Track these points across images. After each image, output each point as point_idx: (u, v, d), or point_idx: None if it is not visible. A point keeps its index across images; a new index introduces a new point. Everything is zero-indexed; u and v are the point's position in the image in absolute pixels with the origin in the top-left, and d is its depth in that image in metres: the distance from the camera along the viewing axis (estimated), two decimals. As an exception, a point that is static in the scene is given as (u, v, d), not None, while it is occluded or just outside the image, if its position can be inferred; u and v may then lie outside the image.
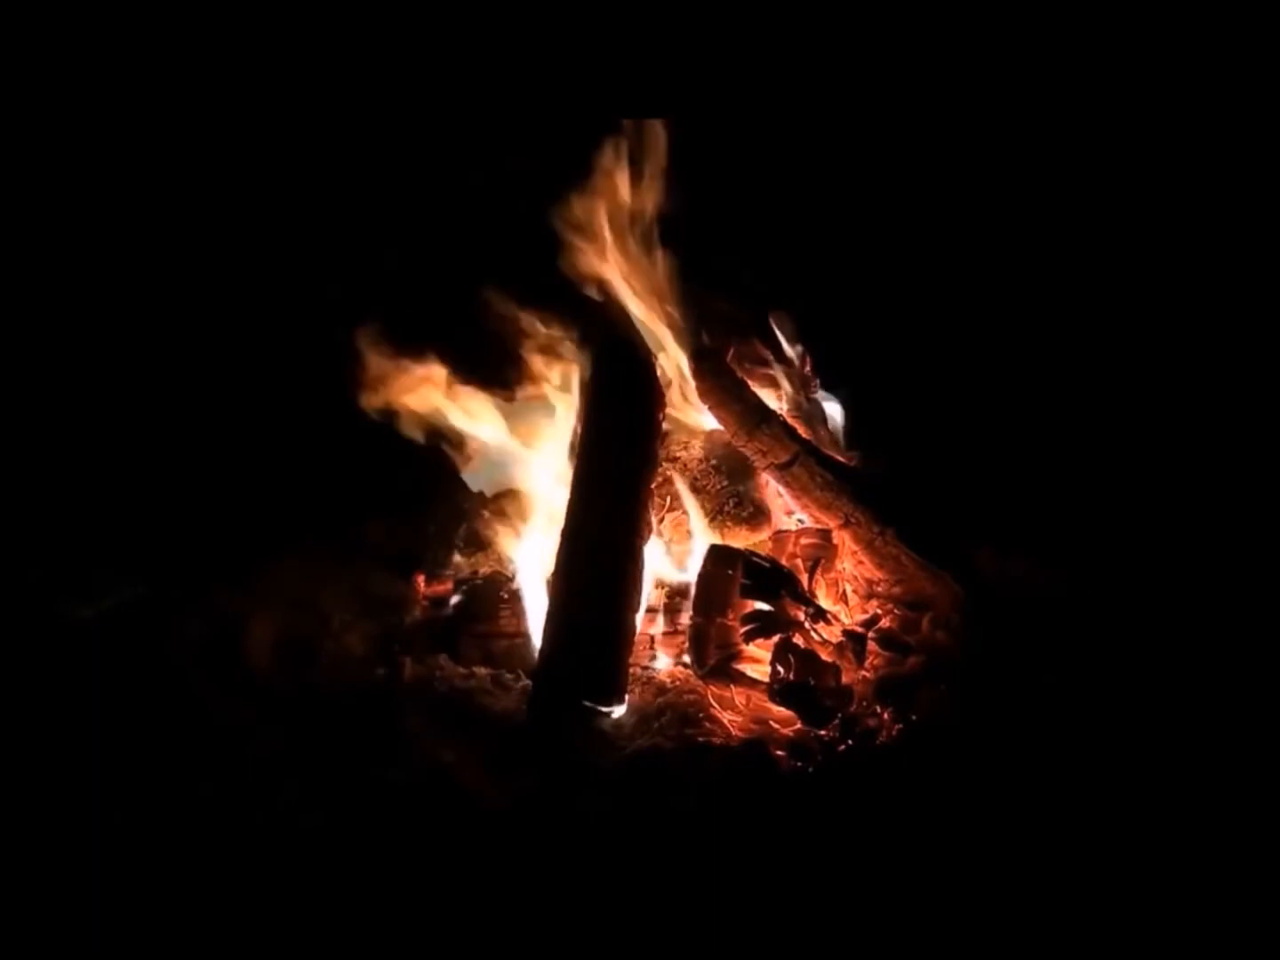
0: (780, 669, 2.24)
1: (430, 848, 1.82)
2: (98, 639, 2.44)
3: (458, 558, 2.82)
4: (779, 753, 2.09)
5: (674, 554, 2.66)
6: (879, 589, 2.57)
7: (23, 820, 1.90)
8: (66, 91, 3.50)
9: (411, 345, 2.73)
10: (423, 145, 3.64)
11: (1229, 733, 2.03)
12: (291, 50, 3.58)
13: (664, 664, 2.48)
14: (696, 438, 2.85)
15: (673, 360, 2.78)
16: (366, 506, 2.98)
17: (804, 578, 2.49)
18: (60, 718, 2.17)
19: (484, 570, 2.75)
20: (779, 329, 2.96)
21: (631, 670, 2.34)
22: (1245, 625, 2.31)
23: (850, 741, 2.12)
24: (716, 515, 2.68)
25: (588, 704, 2.20)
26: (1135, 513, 2.80)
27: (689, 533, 2.66)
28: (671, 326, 2.77)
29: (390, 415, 2.71)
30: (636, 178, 2.75)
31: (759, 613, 2.37)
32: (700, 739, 2.14)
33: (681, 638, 2.47)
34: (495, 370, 2.82)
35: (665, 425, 2.74)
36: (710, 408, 2.72)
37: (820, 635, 2.37)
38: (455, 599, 2.65)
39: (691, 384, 2.75)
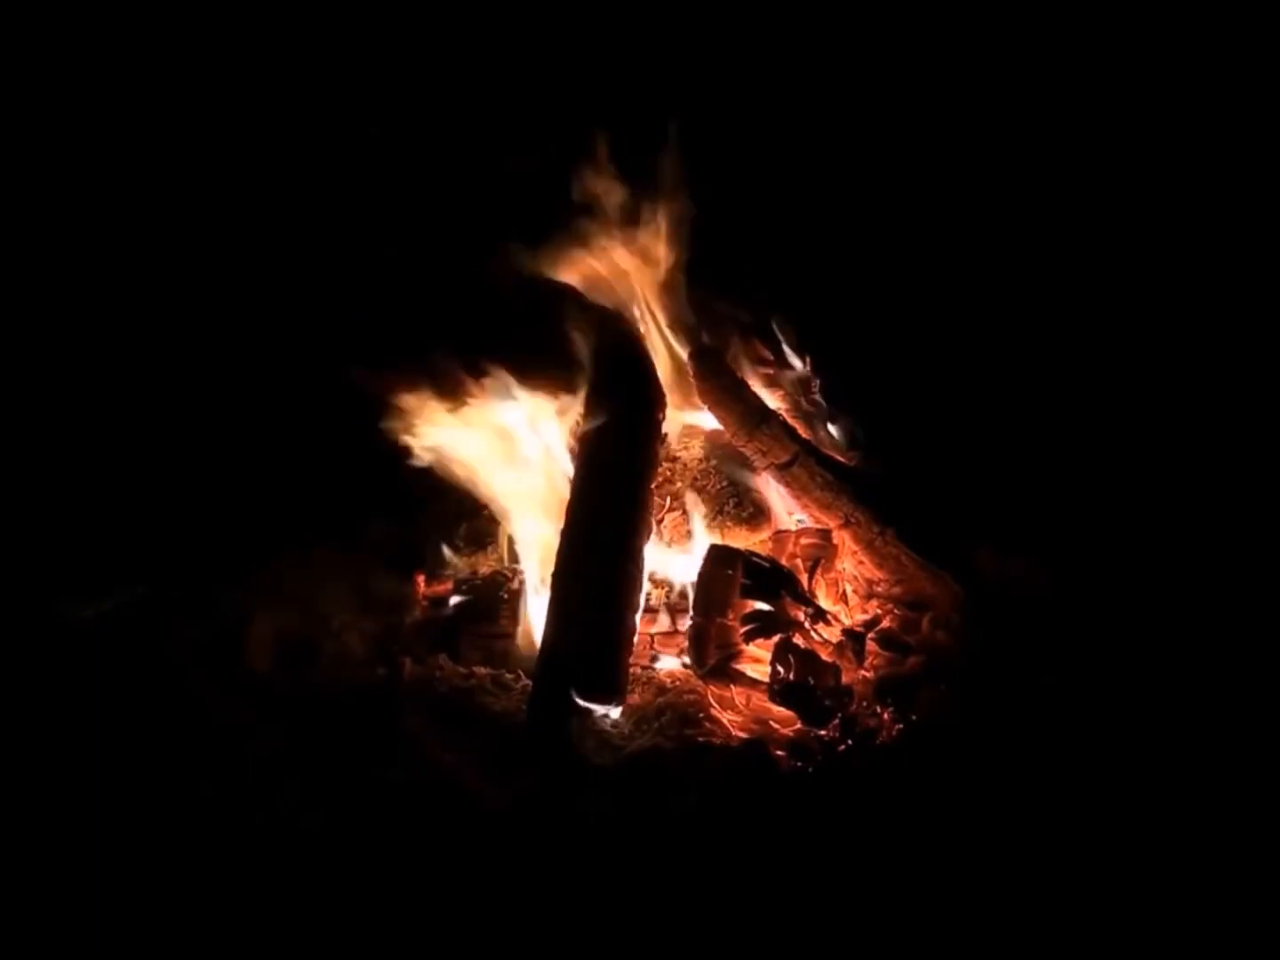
0: (780, 669, 2.24)
1: (430, 848, 1.82)
2: (98, 639, 2.44)
3: (458, 558, 2.82)
4: (779, 753, 2.09)
5: (674, 554, 2.66)
6: (879, 589, 2.57)
7: (23, 820, 1.91)
8: (66, 91, 3.50)
9: (411, 348, 2.74)
10: (423, 144, 3.64)
11: (1229, 732, 2.03)
12: (291, 49, 3.58)
13: (664, 664, 2.48)
14: (696, 438, 2.85)
15: (673, 360, 2.78)
16: (366, 506, 2.98)
17: (804, 578, 2.49)
18: (60, 718, 2.17)
19: (484, 570, 2.75)
20: (781, 332, 2.96)
21: (631, 670, 2.34)
22: (1245, 625, 2.31)
23: (850, 741, 2.12)
24: (716, 515, 2.68)
25: (588, 704, 2.20)
26: (1135, 513, 2.80)
27: (689, 533, 2.66)
28: (672, 326, 2.77)
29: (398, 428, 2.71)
30: (639, 179, 2.75)
31: (759, 613, 2.37)
32: (700, 739, 2.14)
33: (681, 638, 2.47)
34: (495, 370, 2.82)
35: (665, 425, 2.75)
36: (710, 408, 2.72)
37: (820, 635, 2.37)
38: (455, 599, 2.65)
39: (692, 384, 2.75)
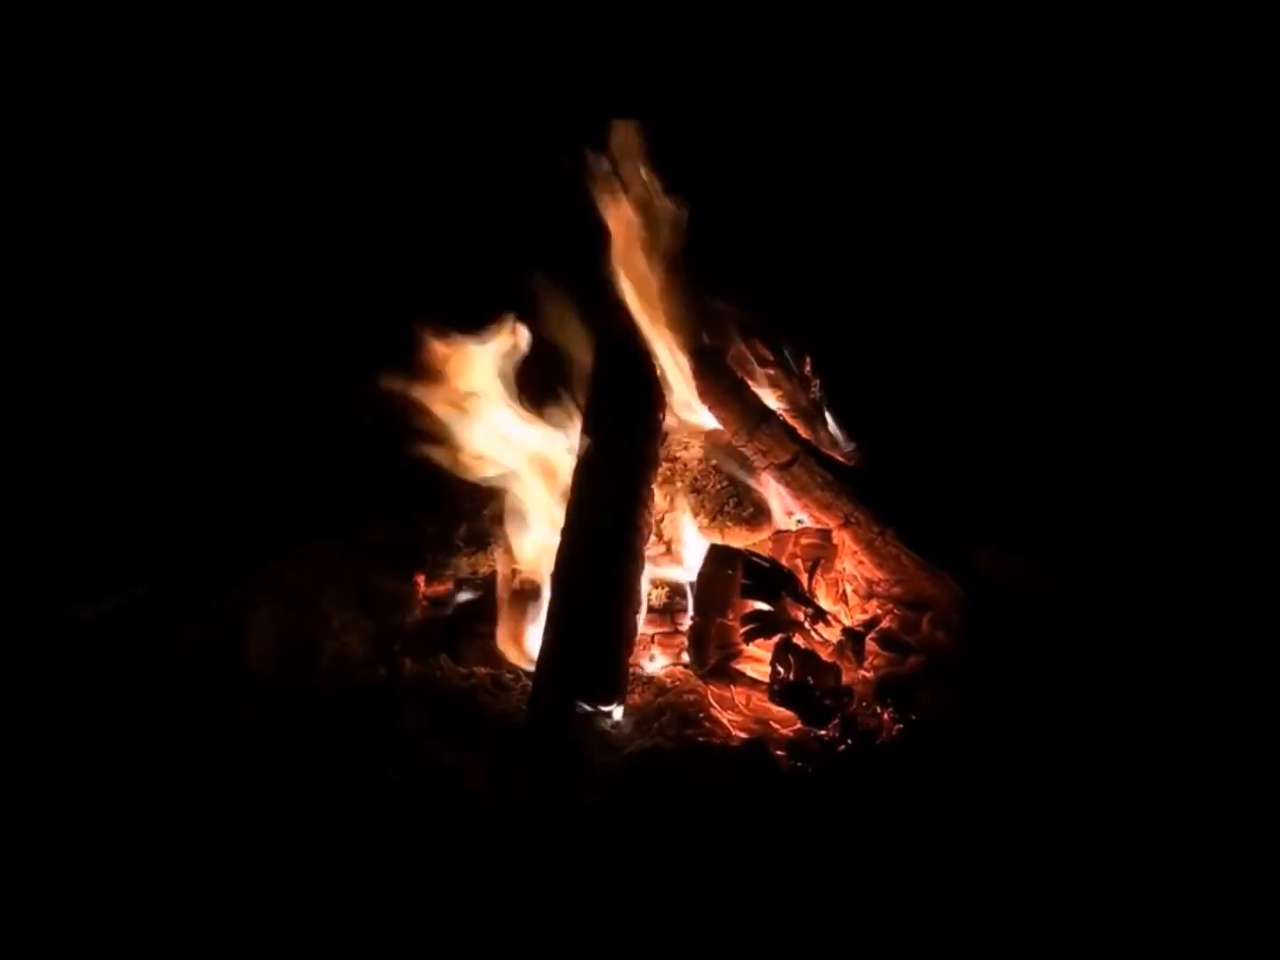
0: (780, 669, 2.24)
1: (430, 848, 1.82)
2: (98, 639, 2.44)
3: (458, 558, 2.82)
4: (779, 753, 2.09)
5: (674, 554, 2.66)
6: (879, 589, 2.57)
7: (23, 820, 1.91)
8: (66, 91, 3.50)
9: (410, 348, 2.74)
10: (422, 144, 3.64)
11: (1229, 732, 2.03)
12: (291, 49, 3.58)
13: (664, 664, 2.48)
14: (696, 438, 2.85)
15: (673, 360, 2.78)
16: (366, 506, 2.98)
17: (804, 578, 2.49)
18: (60, 718, 2.17)
19: (484, 570, 2.75)
20: (781, 332, 2.96)
21: (631, 670, 2.34)
22: (1245, 625, 2.31)
23: (850, 741, 2.12)
24: (716, 515, 2.68)
25: (588, 704, 2.20)
26: (1135, 513, 2.80)
27: (689, 533, 2.66)
28: (672, 326, 2.77)
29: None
30: (639, 178, 2.75)
31: (759, 613, 2.37)
32: (700, 739, 2.14)
33: (681, 638, 2.47)
34: (494, 371, 2.82)
35: (665, 425, 2.74)
36: (710, 408, 2.72)
37: (820, 635, 2.37)
38: (455, 599, 2.65)
39: (692, 384, 2.75)
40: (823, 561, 2.55)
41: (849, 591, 2.60)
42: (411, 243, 3.59)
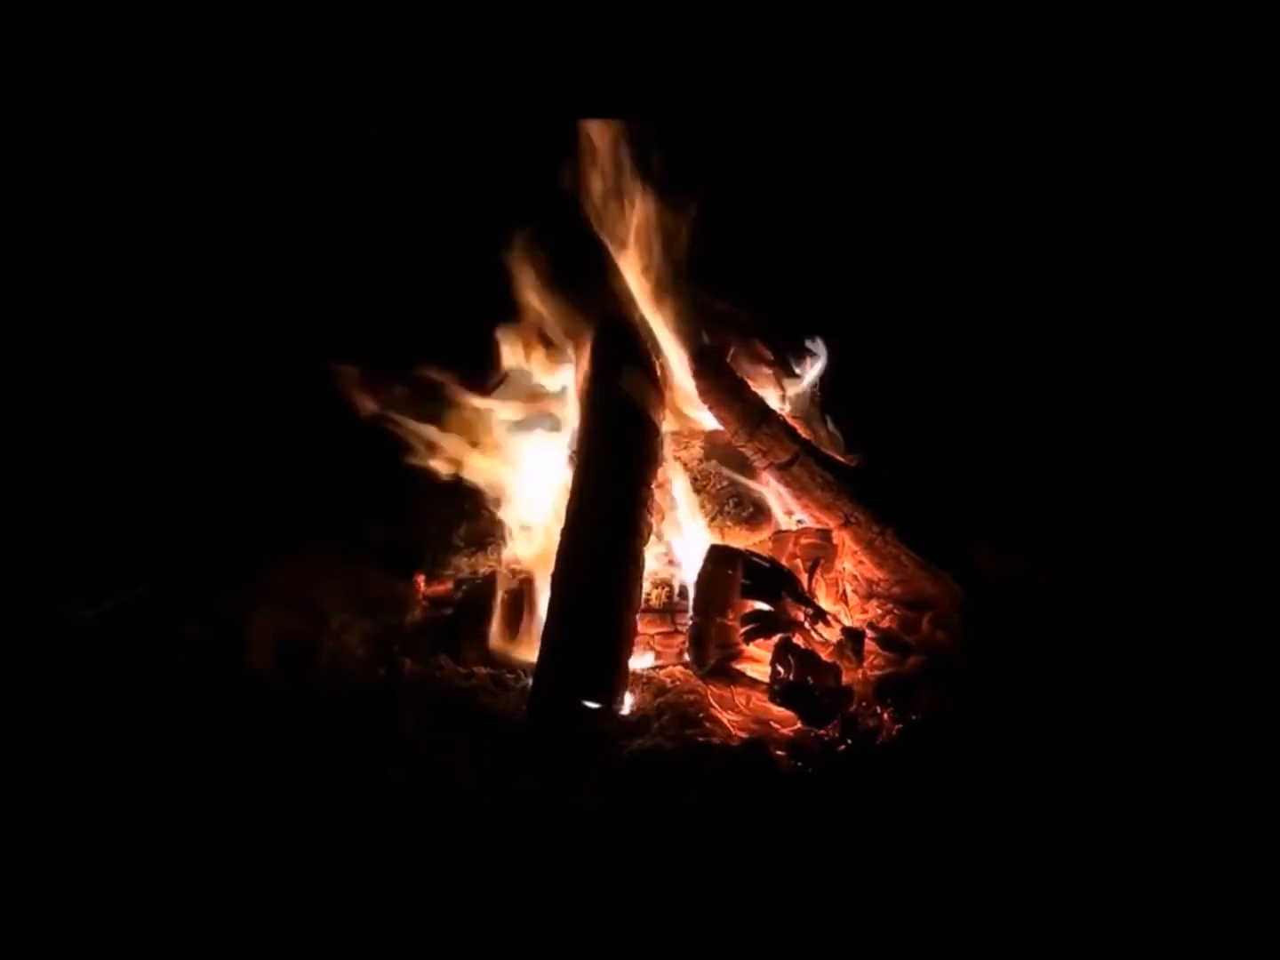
0: (780, 669, 2.24)
1: (430, 848, 1.82)
2: (98, 639, 2.44)
3: (458, 558, 2.82)
4: (779, 753, 2.09)
5: (674, 554, 2.66)
6: (879, 589, 2.57)
7: (23, 820, 1.91)
8: (65, 91, 3.50)
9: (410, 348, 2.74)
10: (423, 144, 3.64)
11: (1229, 732, 2.03)
12: (291, 49, 3.58)
13: (664, 664, 2.48)
14: (696, 438, 2.85)
15: (673, 360, 2.78)
16: (366, 506, 2.98)
17: (804, 578, 2.49)
18: (60, 718, 2.17)
19: (484, 570, 2.75)
20: (781, 332, 2.96)
21: (631, 670, 2.34)
22: (1245, 625, 2.31)
23: (850, 741, 2.12)
24: (716, 515, 2.68)
25: (588, 704, 2.20)
26: (1135, 513, 2.80)
27: (689, 533, 2.66)
28: (672, 326, 2.77)
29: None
30: (640, 178, 2.75)
31: (759, 613, 2.36)
32: (700, 739, 2.14)
33: (681, 638, 2.47)
34: (494, 371, 2.82)
35: (665, 425, 2.74)
36: (710, 408, 2.72)
37: (820, 635, 2.37)
38: (455, 599, 2.65)
39: (692, 384, 2.75)
40: (823, 561, 2.55)
41: (849, 591, 2.60)
42: (411, 243, 3.59)
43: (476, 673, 2.41)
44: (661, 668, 2.46)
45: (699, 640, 2.36)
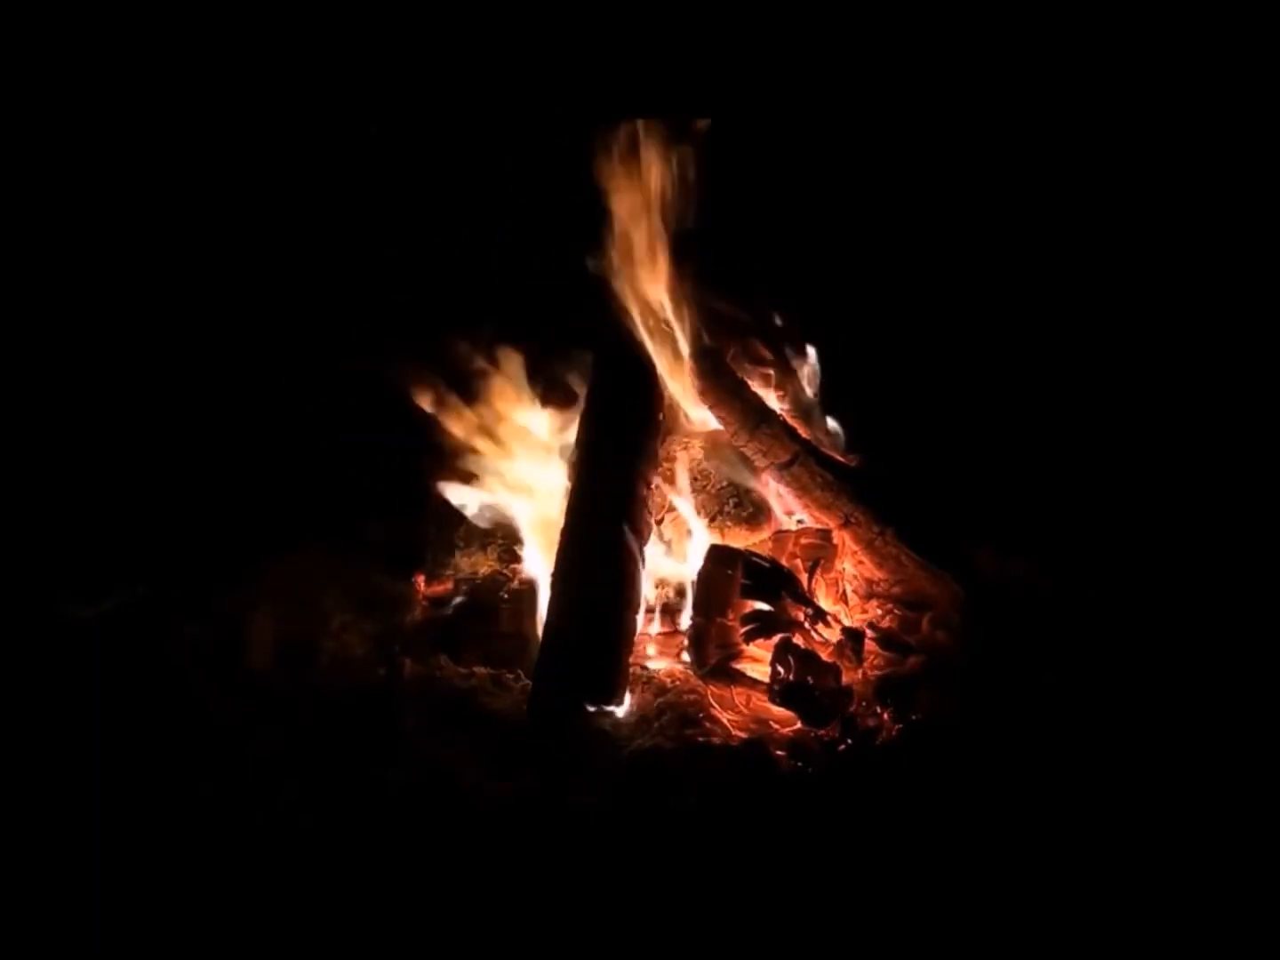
0: (780, 669, 2.24)
1: (430, 848, 1.82)
2: (98, 639, 2.44)
3: (458, 558, 2.82)
4: (779, 753, 2.09)
5: (674, 554, 2.66)
6: (879, 589, 2.57)
7: (23, 820, 1.91)
8: (65, 91, 3.50)
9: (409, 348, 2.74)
10: (423, 144, 3.64)
11: (1229, 732, 2.03)
12: (291, 49, 3.58)
13: (664, 664, 2.48)
14: (696, 438, 2.85)
15: (673, 360, 2.78)
16: (366, 506, 2.98)
17: (804, 578, 2.49)
18: (60, 718, 2.17)
19: (484, 570, 2.75)
20: (781, 332, 2.96)
21: (631, 670, 2.34)
22: (1245, 624, 2.31)
23: (850, 741, 2.12)
24: (716, 515, 2.67)
25: (588, 704, 2.20)
26: (1135, 513, 2.80)
27: (689, 533, 2.66)
28: (672, 326, 2.77)
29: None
30: (641, 177, 2.75)
31: (759, 613, 2.36)
32: (700, 739, 2.14)
33: (681, 638, 2.47)
34: (494, 371, 2.82)
35: (665, 425, 2.74)
36: (710, 408, 2.72)
37: (820, 635, 2.37)
38: (455, 599, 2.65)
39: (692, 383, 2.75)
40: (823, 561, 2.55)
41: (849, 591, 2.60)
42: (411, 242, 3.59)
43: (476, 673, 2.41)
44: (673, 665, 2.46)
45: (699, 640, 2.36)
